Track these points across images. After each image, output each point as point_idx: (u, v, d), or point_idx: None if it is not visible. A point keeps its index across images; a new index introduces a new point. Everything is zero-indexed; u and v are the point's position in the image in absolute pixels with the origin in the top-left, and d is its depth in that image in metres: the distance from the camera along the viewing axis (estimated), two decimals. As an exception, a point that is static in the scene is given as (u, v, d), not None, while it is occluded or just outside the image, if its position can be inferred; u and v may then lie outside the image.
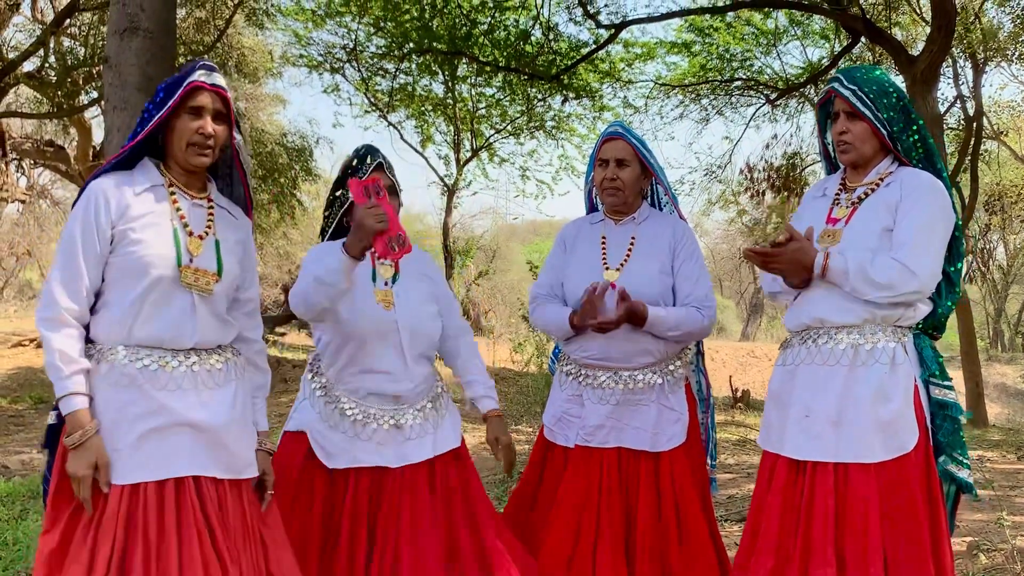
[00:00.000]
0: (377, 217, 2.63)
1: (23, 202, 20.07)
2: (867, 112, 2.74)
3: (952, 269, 2.77)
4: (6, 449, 8.51)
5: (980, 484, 6.58)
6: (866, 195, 2.78)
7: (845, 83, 2.79)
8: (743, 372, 22.49)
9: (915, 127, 2.78)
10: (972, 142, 15.01)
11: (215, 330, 2.54)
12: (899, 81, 14.48)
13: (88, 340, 2.48)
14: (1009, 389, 27.98)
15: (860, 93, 2.75)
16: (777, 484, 2.75)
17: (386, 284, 3.04)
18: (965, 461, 2.70)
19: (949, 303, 2.79)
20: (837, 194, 2.87)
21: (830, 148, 3.05)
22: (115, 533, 2.30)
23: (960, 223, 2.79)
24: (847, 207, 2.80)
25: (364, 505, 2.94)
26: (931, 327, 2.78)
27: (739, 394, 13.64)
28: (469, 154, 17.62)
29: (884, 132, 2.75)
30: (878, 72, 2.82)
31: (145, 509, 2.35)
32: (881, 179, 2.78)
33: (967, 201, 15.82)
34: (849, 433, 2.62)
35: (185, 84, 2.45)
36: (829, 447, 2.64)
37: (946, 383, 2.69)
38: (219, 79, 2.52)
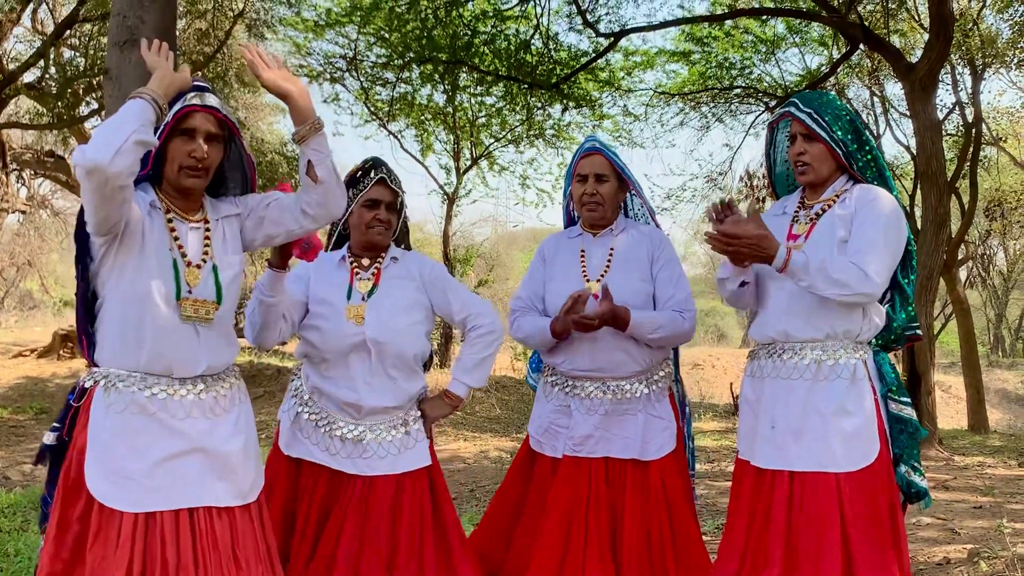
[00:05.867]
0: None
1: (24, 212, 20.10)
2: (823, 134, 2.86)
3: (906, 281, 2.90)
4: (8, 460, 8.52)
5: (981, 491, 6.58)
6: (823, 211, 2.90)
7: (801, 107, 2.91)
8: (744, 379, 22.42)
9: (868, 147, 2.91)
10: (971, 148, 15.04)
11: (222, 353, 2.55)
12: (897, 88, 14.51)
13: (92, 364, 2.48)
14: (1010, 395, 27.96)
15: (816, 116, 2.88)
16: (745, 490, 2.90)
17: (363, 299, 3.06)
18: (921, 469, 2.86)
19: (903, 315, 2.91)
20: (796, 212, 2.99)
21: (775, 167, 3.20)
22: (131, 558, 2.29)
23: (912, 237, 2.90)
24: (806, 223, 2.93)
25: (318, 502, 2.99)
26: (890, 340, 2.91)
27: (739, 401, 13.64)
28: (469, 163, 17.63)
29: (840, 152, 2.87)
30: (830, 96, 2.97)
31: (163, 540, 2.34)
32: (837, 196, 2.90)
33: (967, 207, 15.84)
34: (809, 443, 2.75)
35: (177, 108, 2.45)
36: (790, 456, 2.77)
37: (903, 399, 2.83)
38: (212, 100, 2.50)
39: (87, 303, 2.51)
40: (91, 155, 2.20)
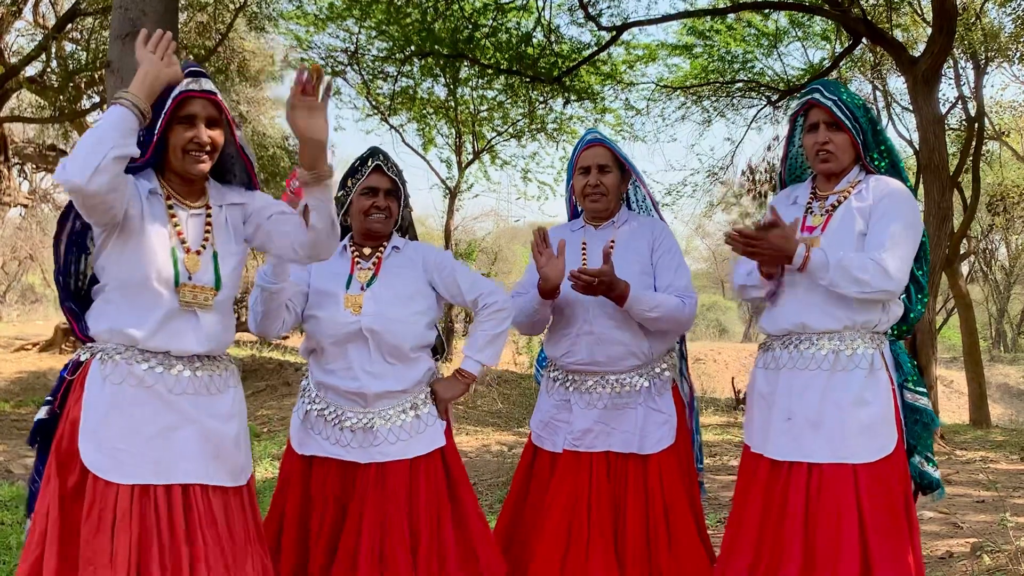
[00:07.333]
0: None
1: (25, 206, 20.11)
2: (847, 123, 2.84)
3: (920, 272, 2.89)
4: (10, 454, 8.52)
5: (983, 485, 6.58)
6: (839, 202, 2.87)
7: (825, 94, 2.88)
8: (746, 373, 22.47)
9: (882, 137, 2.90)
10: (974, 143, 15.02)
11: (221, 337, 2.55)
12: (900, 82, 14.50)
13: (88, 337, 2.48)
14: (1012, 390, 27.98)
15: (840, 104, 2.85)
16: (759, 482, 2.86)
17: (362, 288, 3.05)
18: (934, 460, 2.86)
19: (919, 306, 2.90)
20: (809, 202, 2.96)
21: (791, 160, 3.16)
22: (131, 532, 2.29)
23: (926, 230, 2.89)
24: (821, 215, 2.90)
25: (332, 497, 2.98)
26: (906, 330, 2.91)
27: (741, 395, 13.65)
28: (471, 157, 17.61)
29: (860, 142, 2.86)
30: (846, 86, 2.95)
31: (157, 512, 2.35)
32: (852, 187, 2.88)
33: (969, 202, 15.83)
34: (828, 435, 2.73)
35: (174, 94, 2.43)
36: (807, 448, 2.75)
37: (919, 388, 2.82)
38: (207, 84, 2.48)
39: (77, 283, 2.51)
40: (70, 175, 2.21)
